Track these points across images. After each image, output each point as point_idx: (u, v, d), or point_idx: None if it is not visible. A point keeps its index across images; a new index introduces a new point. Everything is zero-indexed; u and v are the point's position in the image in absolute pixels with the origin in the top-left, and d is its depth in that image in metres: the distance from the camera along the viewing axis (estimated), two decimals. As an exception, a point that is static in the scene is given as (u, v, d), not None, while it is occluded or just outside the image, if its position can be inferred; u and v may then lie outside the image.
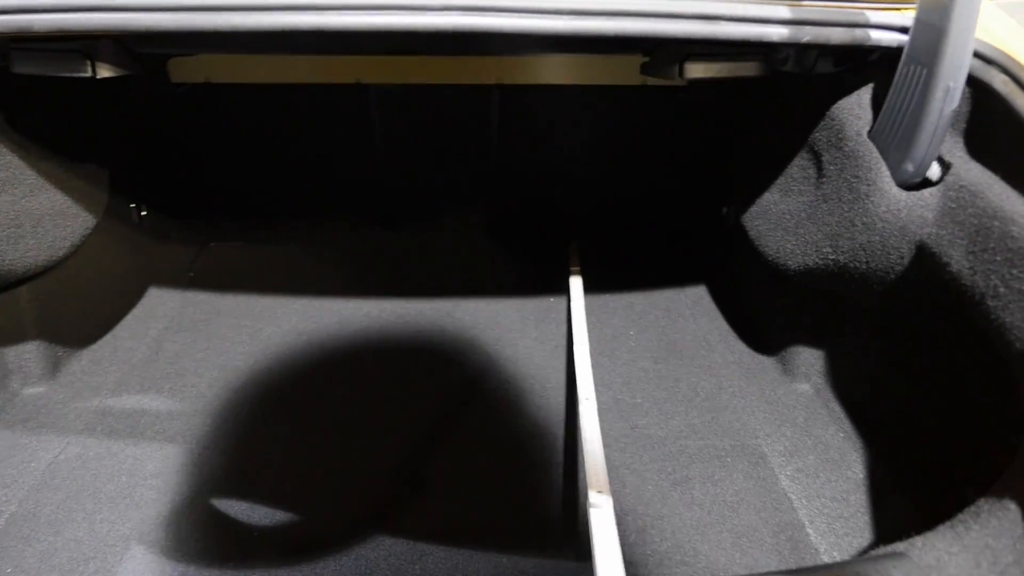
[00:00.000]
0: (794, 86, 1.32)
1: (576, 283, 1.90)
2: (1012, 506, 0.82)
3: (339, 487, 1.36)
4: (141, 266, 2.02)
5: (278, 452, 1.43)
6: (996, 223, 0.96)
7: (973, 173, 1.04)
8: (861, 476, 1.39)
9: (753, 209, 1.58)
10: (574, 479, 1.33)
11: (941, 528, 0.85)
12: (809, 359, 1.64)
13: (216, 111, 1.97)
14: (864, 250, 1.18)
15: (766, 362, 1.74)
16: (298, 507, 1.30)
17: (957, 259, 1.03)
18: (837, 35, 1.04)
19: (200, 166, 2.14)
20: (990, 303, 0.96)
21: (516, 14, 0.91)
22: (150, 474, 1.38)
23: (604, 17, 0.93)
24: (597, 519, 0.88)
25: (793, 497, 1.35)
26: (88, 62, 1.16)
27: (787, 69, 1.19)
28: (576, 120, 2.05)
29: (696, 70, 1.17)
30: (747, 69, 1.19)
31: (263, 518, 1.29)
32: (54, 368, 1.65)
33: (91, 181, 1.62)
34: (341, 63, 1.82)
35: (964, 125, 1.08)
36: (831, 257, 1.26)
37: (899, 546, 0.84)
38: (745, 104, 1.72)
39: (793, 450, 1.47)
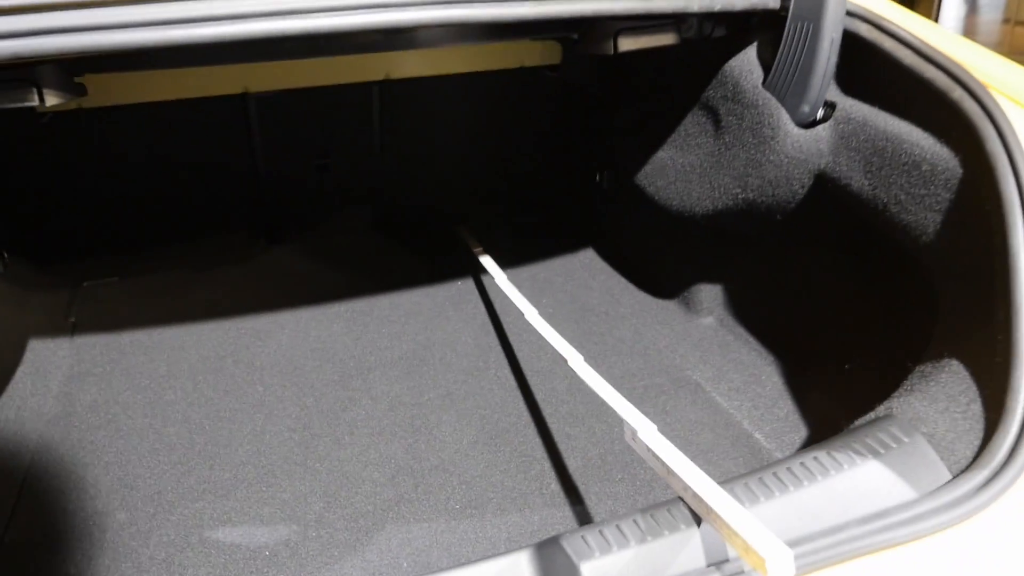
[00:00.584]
0: (689, 53, 1.49)
1: (487, 261, 1.99)
2: (951, 362, 1.03)
3: (322, 489, 1.38)
4: (14, 319, 1.85)
5: (248, 469, 1.42)
6: (888, 144, 1.18)
7: (856, 108, 1.26)
8: (781, 383, 1.61)
9: (647, 169, 1.75)
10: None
11: (902, 392, 1.05)
12: (708, 295, 1.85)
13: (79, 139, 1.84)
14: (771, 184, 1.38)
15: (670, 304, 1.93)
16: (287, 516, 1.31)
17: (857, 179, 1.25)
18: (739, 3, 1.21)
19: (63, 201, 1.99)
20: (893, 209, 1.18)
21: (487, 4, 0.98)
22: (120, 525, 1.32)
23: (562, 1, 1.03)
24: (650, 440, 0.99)
25: (734, 412, 1.54)
26: (35, 90, 1.08)
27: (691, 36, 1.36)
28: (456, 108, 2.13)
29: (627, 43, 1.31)
30: (664, 39, 1.35)
31: (261, 537, 1.29)
32: None
33: None
34: (220, 73, 1.78)
35: (837, 70, 1.30)
36: (740, 196, 1.45)
37: (880, 411, 1.03)
38: (621, 76, 1.88)
39: (719, 374, 1.66)
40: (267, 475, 1.43)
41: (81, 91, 1.20)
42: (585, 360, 1.45)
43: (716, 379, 1.65)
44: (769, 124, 1.33)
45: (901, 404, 1.01)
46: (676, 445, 1.42)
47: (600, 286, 2.06)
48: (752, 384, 1.62)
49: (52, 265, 2.07)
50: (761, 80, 1.36)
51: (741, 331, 1.77)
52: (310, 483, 1.40)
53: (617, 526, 0.82)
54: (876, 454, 0.91)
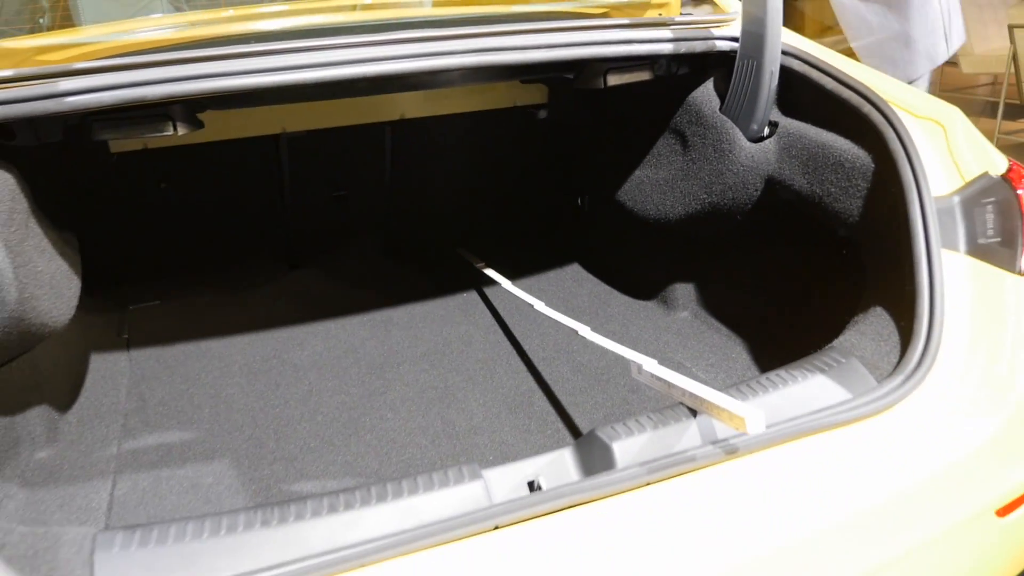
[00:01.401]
0: (659, 89, 1.84)
1: (491, 272, 2.30)
2: (876, 308, 1.36)
3: (375, 452, 1.65)
4: (77, 337, 2.10)
5: (309, 441, 1.69)
6: (819, 150, 1.53)
7: (793, 124, 1.61)
8: (748, 358, 1.93)
9: (627, 187, 2.09)
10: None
11: (844, 335, 1.37)
12: (682, 293, 2.18)
13: (139, 177, 2.12)
14: (731, 188, 1.72)
15: (650, 304, 2.25)
16: (349, 472, 1.58)
17: (798, 180, 1.59)
18: (699, 46, 1.57)
19: (113, 232, 2.25)
20: (827, 200, 1.52)
21: (522, 51, 1.32)
22: (210, 484, 1.57)
23: (570, 47, 1.37)
24: (653, 369, 1.29)
25: (711, 382, 1.86)
26: (170, 122, 1.38)
27: (662, 73, 1.71)
28: (456, 144, 2.46)
29: (613, 79, 1.66)
30: (642, 76, 1.70)
31: (331, 488, 1.55)
32: (54, 431, 1.73)
33: (72, 247, 1.75)
34: (263, 115, 2.08)
35: (777, 96, 1.65)
36: (707, 200, 1.78)
37: (825, 347, 1.35)
38: (599, 113, 2.24)
39: (697, 355, 1.98)
40: (326, 444, 1.69)
41: (200, 125, 1.49)
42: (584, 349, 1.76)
43: (695, 358, 1.96)
44: (727, 140, 1.68)
45: (840, 340, 1.34)
46: (654, 410, 1.73)
47: (587, 292, 2.38)
48: (724, 361, 1.94)
49: (99, 291, 2.32)
50: (718, 106, 1.71)
51: (712, 321, 2.10)
52: (364, 448, 1.67)
53: (636, 420, 1.12)
54: (823, 371, 1.23)
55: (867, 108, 1.42)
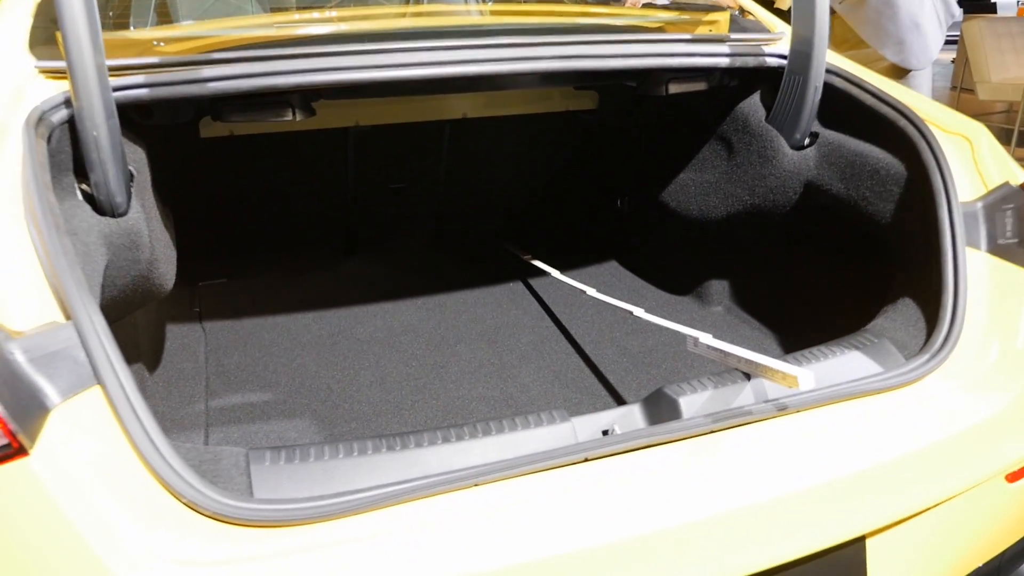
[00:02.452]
0: (709, 100, 2.02)
1: (540, 264, 2.48)
2: (904, 298, 1.53)
3: (442, 414, 1.82)
4: (155, 309, 2.28)
5: (381, 405, 1.86)
6: (856, 158, 1.70)
7: (832, 135, 1.79)
8: (779, 351, 2.10)
9: (671, 188, 2.27)
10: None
11: (875, 320, 1.54)
12: (716, 289, 2.35)
13: (223, 161, 2.30)
14: (773, 192, 1.89)
15: (685, 299, 2.43)
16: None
17: (836, 185, 1.77)
18: (751, 61, 1.75)
19: (188, 212, 2.43)
20: (862, 204, 1.70)
21: (601, 59, 1.50)
22: (295, 439, 1.75)
23: (641, 58, 1.56)
24: (709, 341, 1.47)
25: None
26: (290, 109, 1.56)
27: (714, 85, 1.90)
28: (508, 145, 2.64)
29: (674, 88, 1.84)
30: (698, 86, 1.89)
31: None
32: (143, 388, 1.91)
33: (170, 220, 1.93)
34: (338, 109, 2.26)
35: (819, 110, 1.83)
36: (749, 202, 1.96)
37: (858, 331, 1.52)
38: (645, 120, 2.42)
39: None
40: (395, 408, 1.87)
41: (313, 112, 1.67)
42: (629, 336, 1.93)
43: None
44: (771, 148, 1.86)
45: (872, 324, 1.51)
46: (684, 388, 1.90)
47: (625, 287, 2.55)
48: (757, 351, 2.11)
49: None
50: (764, 117, 1.89)
51: (744, 315, 2.27)
52: (431, 412, 1.84)
53: (698, 380, 1.29)
54: (858, 348, 1.40)
55: (903, 123, 1.59)
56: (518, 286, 2.56)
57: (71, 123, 1.33)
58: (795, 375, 1.16)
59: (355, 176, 2.51)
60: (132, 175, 1.43)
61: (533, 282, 2.57)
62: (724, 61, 1.71)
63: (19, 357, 0.95)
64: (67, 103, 1.32)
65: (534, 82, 1.98)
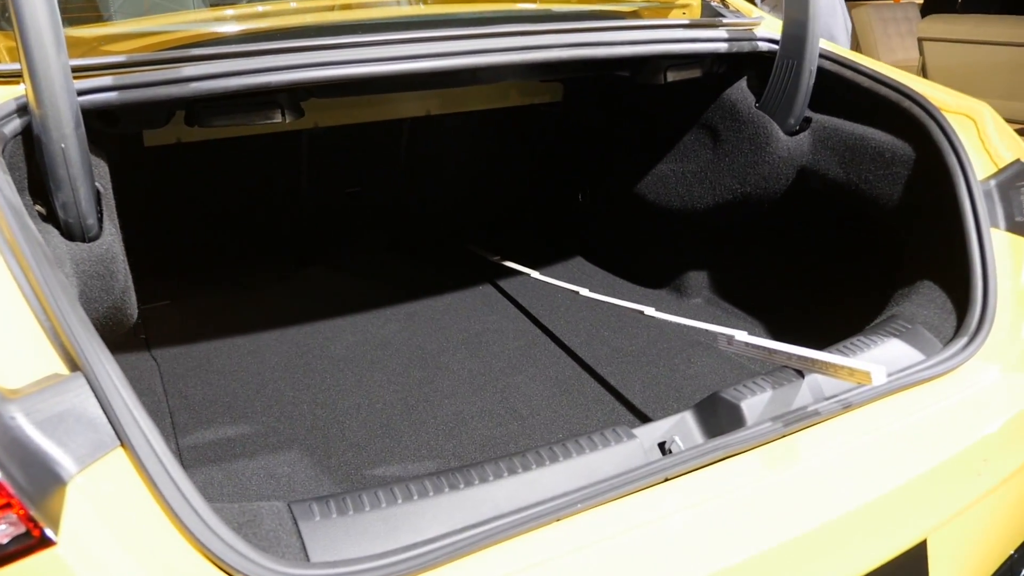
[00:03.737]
0: (690, 88, 1.96)
1: (512, 265, 2.37)
2: (924, 282, 1.51)
3: (445, 435, 1.69)
4: None
5: (373, 427, 1.71)
6: (856, 141, 1.68)
7: (827, 119, 1.76)
8: (770, 337, 2.07)
9: (648, 180, 2.20)
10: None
11: (894, 305, 1.52)
12: (695, 281, 2.31)
13: (161, 172, 2.08)
14: (765, 179, 1.85)
15: (662, 292, 2.37)
16: (428, 455, 1.63)
17: (833, 170, 1.74)
18: (746, 46, 1.70)
19: (128, 228, 2.19)
20: (863, 187, 1.67)
21: (610, 46, 1.40)
22: (288, 473, 1.58)
23: (645, 45, 1.47)
24: (746, 339, 1.40)
25: (735, 357, 1.99)
26: (279, 110, 1.38)
27: (706, 71, 1.84)
28: (469, 143, 2.52)
29: (672, 75, 1.77)
30: (693, 73, 1.82)
31: (415, 469, 1.59)
32: None
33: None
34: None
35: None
36: (739, 190, 1.91)
37: (885, 315, 1.49)
38: (615, 112, 2.34)
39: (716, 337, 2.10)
40: (390, 431, 1.72)
41: (302, 113, 1.50)
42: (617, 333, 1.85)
43: (715, 339, 2.09)
44: (764, 134, 1.81)
45: (899, 310, 1.48)
46: (701, 386, 1.84)
47: (598, 283, 2.48)
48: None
49: None
50: (754, 103, 1.85)
51: (727, 306, 2.23)
52: (432, 432, 1.70)
53: (753, 382, 1.22)
54: (896, 335, 1.37)
55: (907, 103, 1.57)
56: (488, 289, 2.44)
57: (25, 135, 1.13)
58: (867, 370, 1.11)
59: (309, 182, 2.33)
60: (99, 193, 1.24)
61: (503, 284, 2.46)
62: (722, 47, 1.65)
63: (21, 422, 0.77)
64: (20, 111, 1.13)
65: (525, 72, 1.86)
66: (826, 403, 1.17)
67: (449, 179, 2.60)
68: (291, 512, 0.95)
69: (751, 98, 1.86)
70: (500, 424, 1.73)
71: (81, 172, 1.11)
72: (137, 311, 1.52)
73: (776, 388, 1.22)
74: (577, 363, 1.99)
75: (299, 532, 0.92)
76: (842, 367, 1.16)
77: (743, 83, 1.88)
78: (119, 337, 2.11)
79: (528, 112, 2.45)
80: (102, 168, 1.29)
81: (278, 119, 1.41)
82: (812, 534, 1.02)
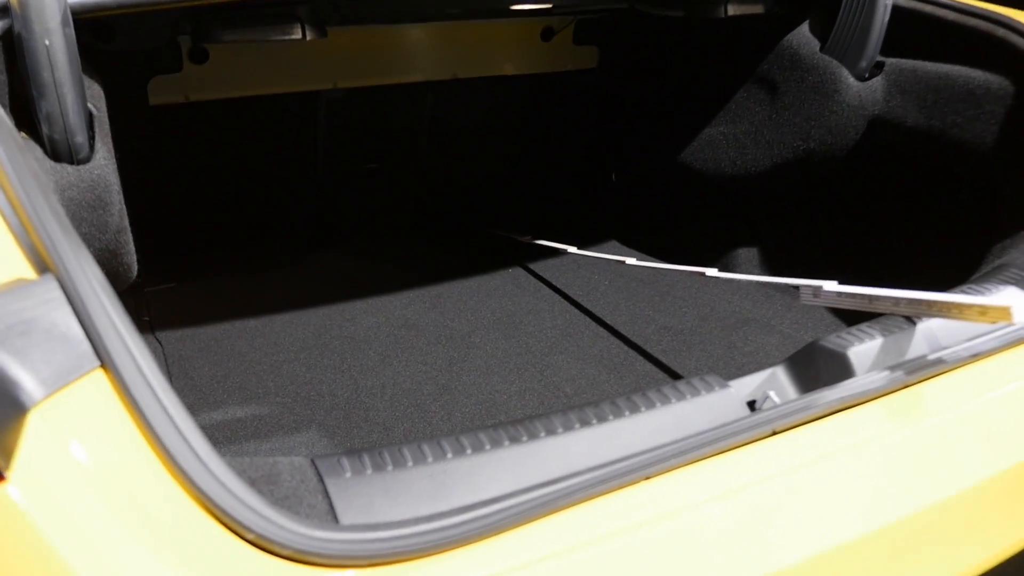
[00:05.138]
0: (740, 35, 1.79)
1: (547, 243, 2.19)
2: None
3: (481, 416, 1.51)
4: None
5: (400, 409, 1.53)
6: (940, 81, 1.50)
7: (902, 62, 1.58)
8: (834, 311, 1.87)
9: (693, 148, 2.02)
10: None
11: (996, 256, 1.33)
12: (744, 258, 2.12)
13: (165, 135, 1.91)
14: (831, 132, 1.67)
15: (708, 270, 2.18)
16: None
17: (912, 116, 1.56)
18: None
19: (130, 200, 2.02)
20: (951, 132, 1.49)
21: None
22: (310, 454, 1.39)
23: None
24: (836, 288, 1.21)
25: (803, 336, 1.79)
26: (299, 24, 1.21)
27: (768, 7, 1.67)
28: (497, 112, 2.34)
29: (733, 8, 1.59)
30: (756, 8, 1.65)
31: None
32: None
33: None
34: (312, 68, 1.91)
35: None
36: (801, 147, 1.73)
37: (992, 264, 1.29)
38: (653, 76, 2.17)
39: (776, 314, 1.91)
40: (420, 410, 1.53)
41: (324, 33, 1.32)
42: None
43: (776, 317, 1.89)
44: (831, 81, 1.63)
45: (1007, 259, 1.29)
46: (764, 365, 1.65)
47: (637, 268, 2.29)
48: (809, 318, 1.88)
49: None
50: (818, 48, 1.67)
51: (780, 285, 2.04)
52: (467, 411, 1.52)
53: (858, 328, 1.03)
54: (1012, 282, 1.17)
55: (1001, 32, 1.39)
56: (519, 271, 2.25)
57: (5, 39, 0.97)
58: (1006, 306, 0.91)
59: (326, 153, 2.16)
60: (91, 114, 1.07)
61: (535, 266, 2.27)
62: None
63: (-29, 332, 0.59)
64: (2, 11, 0.96)
65: None
66: (950, 350, 0.98)
67: (475, 154, 2.43)
68: (315, 468, 0.76)
69: (815, 43, 1.68)
70: (543, 404, 1.54)
71: (68, 77, 0.94)
72: (137, 267, 1.35)
73: (885, 336, 1.02)
74: (623, 342, 1.80)
75: (326, 490, 0.73)
76: (972, 306, 0.97)
77: (804, 28, 1.71)
78: None
79: (561, 80, 2.28)
80: (96, 90, 1.13)
81: (297, 35, 1.24)
82: (961, 497, 0.82)
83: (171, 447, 0.62)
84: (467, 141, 2.37)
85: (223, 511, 0.62)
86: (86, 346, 0.63)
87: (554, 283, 2.16)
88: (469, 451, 0.79)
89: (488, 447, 0.80)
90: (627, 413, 0.86)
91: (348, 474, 0.76)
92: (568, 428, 0.83)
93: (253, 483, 0.72)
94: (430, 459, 0.78)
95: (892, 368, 0.94)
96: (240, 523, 0.63)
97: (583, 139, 2.49)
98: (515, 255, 2.29)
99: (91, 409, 0.61)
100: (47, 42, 0.91)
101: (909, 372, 0.93)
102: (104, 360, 0.63)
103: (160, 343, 1.85)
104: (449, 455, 0.78)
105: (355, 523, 0.71)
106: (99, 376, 0.63)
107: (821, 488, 0.81)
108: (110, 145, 1.10)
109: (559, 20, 2.11)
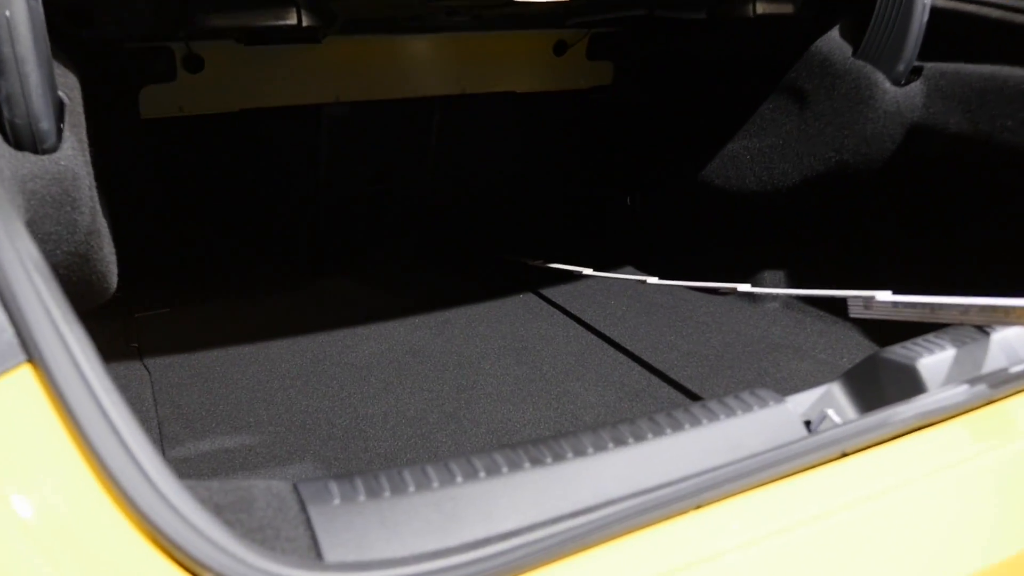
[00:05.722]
0: (767, 42, 1.69)
1: (559, 266, 2.07)
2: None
3: (493, 444, 1.38)
4: None
5: (404, 438, 1.40)
6: (986, 83, 1.39)
7: (943, 65, 1.48)
8: (869, 337, 1.74)
9: (715, 165, 1.91)
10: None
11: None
12: (769, 282, 1.99)
13: (157, 151, 1.81)
14: (866, 141, 1.56)
15: (729, 297, 2.05)
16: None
17: (955, 122, 1.44)
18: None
19: (120, 219, 1.92)
20: (999, 136, 1.37)
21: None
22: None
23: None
24: (891, 298, 1.08)
25: (839, 362, 1.66)
26: (294, 8, 1.11)
27: (797, 7, 1.57)
28: (505, 132, 2.25)
29: (761, 7, 1.50)
30: (785, 8, 1.55)
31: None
32: None
33: (106, 211, 1.43)
34: (315, 81, 1.82)
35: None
36: (834, 159, 1.62)
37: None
38: (673, 89, 2.07)
39: (808, 341, 1.78)
40: (426, 440, 1.40)
41: (332, 18, 1.23)
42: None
43: (808, 343, 1.76)
44: (867, 86, 1.53)
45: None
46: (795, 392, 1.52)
47: (653, 289, 2.16)
48: (842, 346, 1.74)
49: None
50: (851, 52, 1.57)
51: (813, 310, 1.91)
52: (478, 440, 1.38)
53: (924, 339, 0.90)
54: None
55: None
56: (531, 297, 2.13)
57: None
58: (1106, 308, 0.79)
59: (327, 173, 2.06)
60: (63, 103, 0.97)
61: (548, 291, 2.15)
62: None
63: None
64: None
65: None
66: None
67: (484, 174, 2.33)
68: (297, 493, 0.63)
69: (847, 47, 1.58)
70: (559, 432, 1.40)
71: (32, 54, 0.84)
72: (114, 282, 1.23)
73: (958, 346, 0.89)
74: (645, 367, 1.67)
75: (308, 520, 0.60)
76: (1061, 309, 0.84)
77: (834, 33, 1.61)
78: (105, 346, 1.83)
79: (573, 98, 2.19)
80: (70, 79, 1.03)
81: (292, 20, 1.14)
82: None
83: (110, 462, 0.49)
84: (476, 160, 2.27)
85: (175, 544, 0.49)
86: (10, 336, 0.51)
87: (568, 308, 2.04)
88: (483, 475, 0.66)
89: (506, 470, 0.67)
90: (669, 431, 0.73)
91: (336, 501, 0.63)
92: (600, 448, 0.70)
93: (219, 511, 0.59)
94: (436, 484, 0.65)
95: (972, 382, 0.81)
96: (196, 560, 0.50)
97: (598, 158, 2.39)
98: (527, 279, 2.18)
99: (12, 412, 0.49)
100: (7, 12, 0.81)
101: (993, 386, 0.80)
102: (32, 353, 0.51)
103: (148, 370, 1.73)
104: (459, 479, 0.66)
105: (343, 561, 0.58)
106: (25, 372, 0.50)
107: (905, 519, 0.67)
108: (83, 137, 0.99)
109: (573, 33, 2.02)
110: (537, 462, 0.68)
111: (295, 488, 0.64)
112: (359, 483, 0.64)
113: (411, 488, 0.64)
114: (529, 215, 2.47)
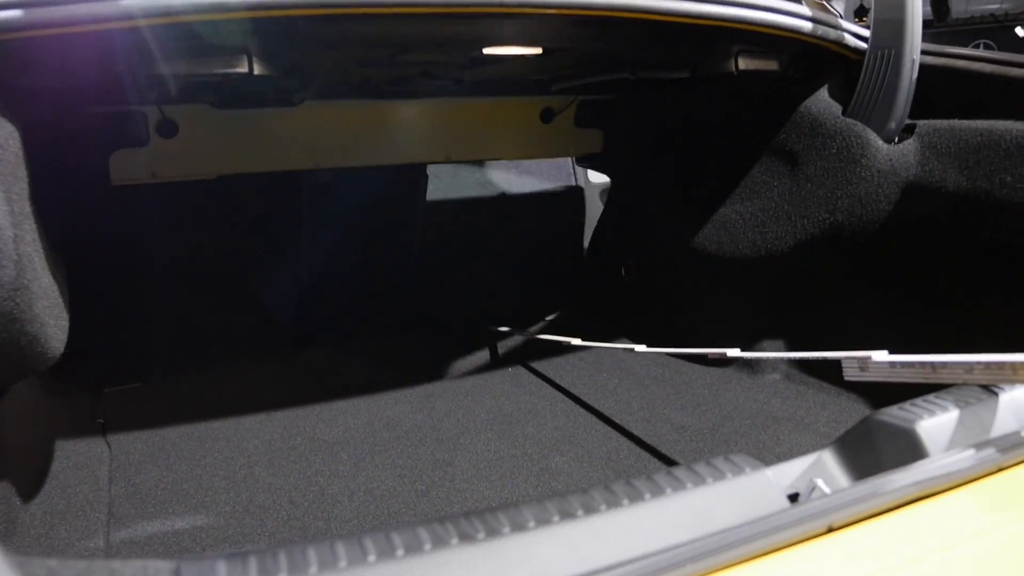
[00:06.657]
0: (756, 104, 1.65)
1: (548, 337, 1.98)
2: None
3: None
4: (36, 417, 1.66)
5: (356, 523, 1.29)
6: (982, 139, 1.33)
7: (936, 122, 1.42)
8: (872, 408, 1.63)
9: (706, 231, 1.85)
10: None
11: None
12: (768, 350, 1.90)
13: (129, 217, 1.76)
14: (860, 202, 1.49)
15: (728, 370, 1.95)
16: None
17: (952, 179, 1.38)
18: (832, 33, 1.39)
19: (88, 290, 1.86)
20: (999, 192, 1.31)
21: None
22: None
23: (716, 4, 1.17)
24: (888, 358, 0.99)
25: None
26: (245, 57, 1.07)
27: (782, 69, 1.53)
28: (494, 198, 2.20)
29: (745, 63, 1.45)
30: (770, 64, 1.50)
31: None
32: (11, 524, 1.28)
33: (62, 274, 1.37)
34: (294, 149, 1.79)
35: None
36: (828, 220, 1.55)
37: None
38: (661, 156, 2.03)
39: (808, 413, 1.67)
40: (391, 520, 1.29)
41: (288, 66, 1.19)
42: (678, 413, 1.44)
43: (809, 415, 1.65)
44: (858, 145, 1.47)
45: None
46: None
47: (650, 361, 2.07)
48: (847, 417, 1.63)
49: (65, 368, 1.90)
50: (840, 111, 1.52)
51: (814, 381, 1.80)
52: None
53: (924, 400, 0.81)
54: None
55: None
56: (519, 370, 2.04)
57: None
58: (1125, 360, 0.69)
59: (309, 241, 2.01)
60: None
61: (536, 364, 2.06)
62: (806, 26, 1.35)
63: None
64: None
65: (576, 28, 1.51)
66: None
67: (473, 244, 2.27)
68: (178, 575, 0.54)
69: (836, 106, 1.54)
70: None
71: None
72: (59, 346, 1.16)
73: (961, 407, 0.80)
74: (635, 443, 1.57)
75: None
76: (1074, 364, 0.75)
77: (823, 93, 1.57)
78: (70, 422, 1.74)
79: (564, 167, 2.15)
80: (6, 128, 0.97)
81: (243, 68, 1.09)
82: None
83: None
84: (464, 230, 2.22)
85: None
86: None
87: (558, 381, 1.94)
88: (400, 553, 0.56)
89: (428, 547, 0.57)
90: (626, 502, 0.63)
91: (225, 584, 0.53)
92: (543, 522, 0.61)
93: None
94: (343, 564, 0.55)
95: (979, 446, 0.71)
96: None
97: (591, 228, 2.34)
98: (515, 352, 2.09)
99: None
100: None
101: (1003, 451, 0.70)
102: None
103: (110, 447, 1.64)
104: (371, 557, 0.56)
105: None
106: None
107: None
108: (13, 188, 0.93)
109: (559, 101, 2.00)
110: (467, 538, 0.58)
111: (176, 569, 0.54)
112: (252, 562, 0.55)
113: (312, 569, 0.54)
114: (520, 286, 2.40)
